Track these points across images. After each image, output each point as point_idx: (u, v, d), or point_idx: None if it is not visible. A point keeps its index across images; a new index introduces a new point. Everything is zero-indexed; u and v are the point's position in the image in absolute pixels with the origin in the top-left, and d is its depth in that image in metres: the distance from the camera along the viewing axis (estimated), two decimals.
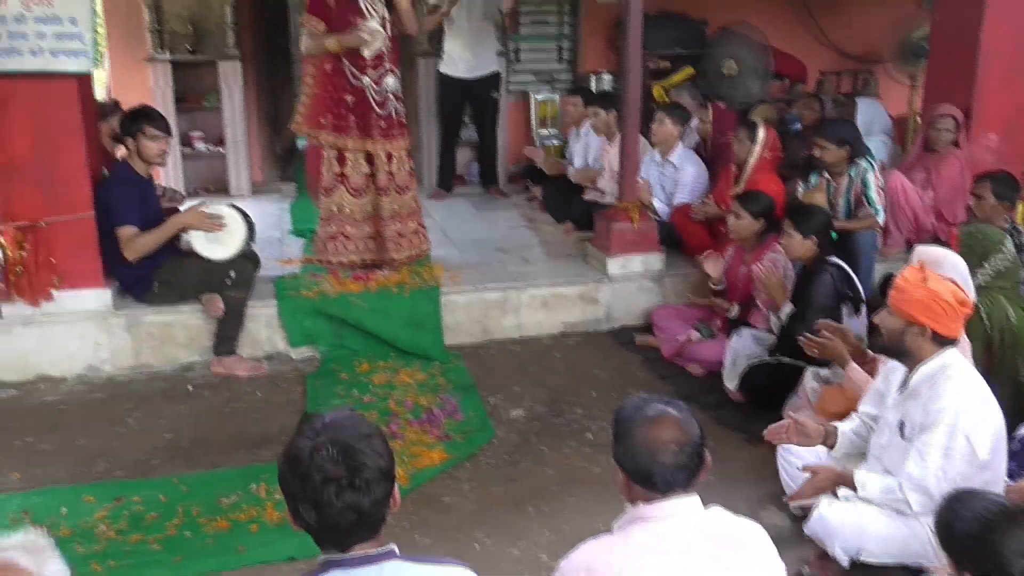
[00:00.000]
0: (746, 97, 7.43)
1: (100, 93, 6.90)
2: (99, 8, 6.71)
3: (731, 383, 4.29)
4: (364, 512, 1.71)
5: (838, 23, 8.17)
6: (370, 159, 4.94)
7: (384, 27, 4.81)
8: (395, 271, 5.07)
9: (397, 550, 1.78)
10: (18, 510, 3.42)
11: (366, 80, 4.83)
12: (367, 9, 4.79)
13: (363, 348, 4.84)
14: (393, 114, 4.94)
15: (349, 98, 4.86)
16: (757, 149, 5.21)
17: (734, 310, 4.66)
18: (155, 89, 6.84)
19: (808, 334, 3.62)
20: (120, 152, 4.99)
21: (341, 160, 4.95)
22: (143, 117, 4.63)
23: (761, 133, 5.22)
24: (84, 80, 4.53)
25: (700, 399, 4.31)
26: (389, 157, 4.97)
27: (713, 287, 4.81)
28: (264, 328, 4.83)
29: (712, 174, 5.78)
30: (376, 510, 1.74)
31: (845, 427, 3.14)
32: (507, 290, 5.12)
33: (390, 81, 4.89)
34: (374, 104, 4.86)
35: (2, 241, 4.33)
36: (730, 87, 7.53)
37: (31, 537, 1.64)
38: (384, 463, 1.75)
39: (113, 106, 5.43)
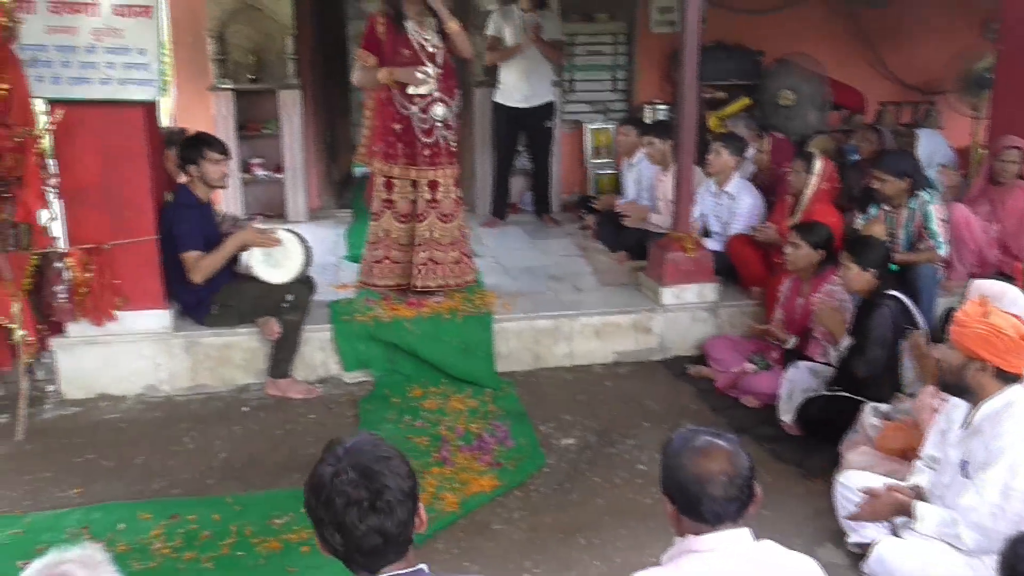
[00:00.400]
0: (803, 128, 7.37)
1: (165, 120, 7.09)
2: (166, 39, 6.91)
3: (787, 416, 4.22)
4: (389, 534, 1.72)
5: (898, 53, 8.08)
6: (416, 186, 5.00)
7: (434, 60, 4.88)
8: (447, 297, 5.11)
9: (427, 569, 1.79)
10: (78, 525, 3.49)
11: (413, 108, 4.90)
12: (417, 41, 4.86)
13: (415, 373, 4.87)
14: (439, 142, 4.97)
15: (397, 126, 4.94)
16: (814, 180, 5.15)
17: (790, 342, 4.58)
18: (217, 117, 7.02)
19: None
20: (182, 178, 5.11)
21: (389, 186, 5.02)
22: (203, 143, 4.76)
23: (819, 164, 5.16)
24: (150, 108, 4.66)
25: (754, 431, 4.24)
26: (434, 185, 5.00)
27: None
28: (318, 352, 4.88)
29: (768, 205, 5.72)
30: (401, 531, 1.74)
31: (920, 480, 3.04)
32: (559, 318, 5.11)
33: (438, 110, 4.94)
34: (420, 132, 4.93)
35: (69, 262, 4.45)
36: (787, 117, 7.48)
37: (88, 551, 1.67)
38: (406, 484, 1.75)
39: (178, 133, 5.57)
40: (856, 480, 3.17)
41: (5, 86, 4.08)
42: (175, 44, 7.20)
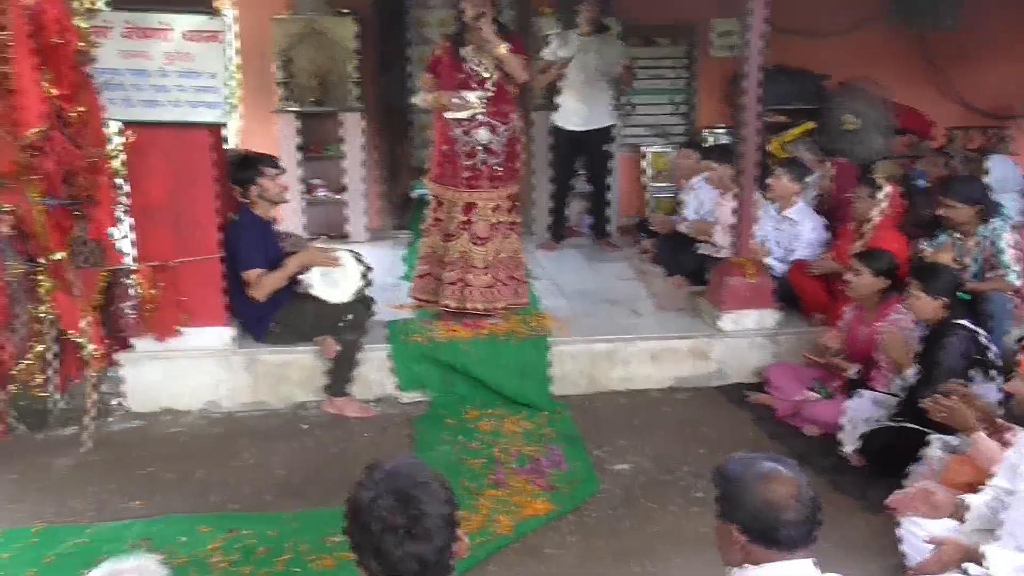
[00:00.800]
0: (868, 153, 7.24)
1: (231, 142, 7.26)
2: (234, 63, 7.09)
3: (849, 447, 4.12)
4: (427, 561, 1.69)
5: (968, 77, 7.90)
6: (467, 207, 5.03)
7: (485, 85, 4.92)
8: (504, 319, 5.12)
9: None
10: (139, 536, 3.56)
11: (459, 132, 4.96)
12: (471, 66, 4.92)
13: (471, 395, 4.88)
14: (480, 166, 5.01)
15: (446, 148, 5.03)
16: (879, 206, 5.05)
17: (853, 371, 4.48)
18: (281, 138, 7.17)
19: (934, 396, 3.44)
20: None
21: (438, 205, 5.11)
22: (255, 161, 4.85)
23: (884, 190, 5.06)
24: (217, 130, 4.78)
25: (815, 462, 4.14)
26: (469, 207, 5.03)
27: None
28: (375, 371, 4.92)
29: (832, 230, 5.62)
30: (440, 557, 1.71)
31: (977, 500, 2.96)
32: (616, 342, 5.08)
33: (482, 134, 4.97)
34: (462, 155, 4.98)
35: (137, 279, 4.57)
36: (852, 142, 7.36)
37: (144, 561, 1.70)
38: (445, 510, 1.73)
39: (235, 155, 5.70)
40: (923, 525, 3.06)
41: (81, 108, 4.23)
42: (242, 68, 7.38)
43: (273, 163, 4.89)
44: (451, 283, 5.07)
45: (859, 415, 4.16)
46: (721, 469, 2.02)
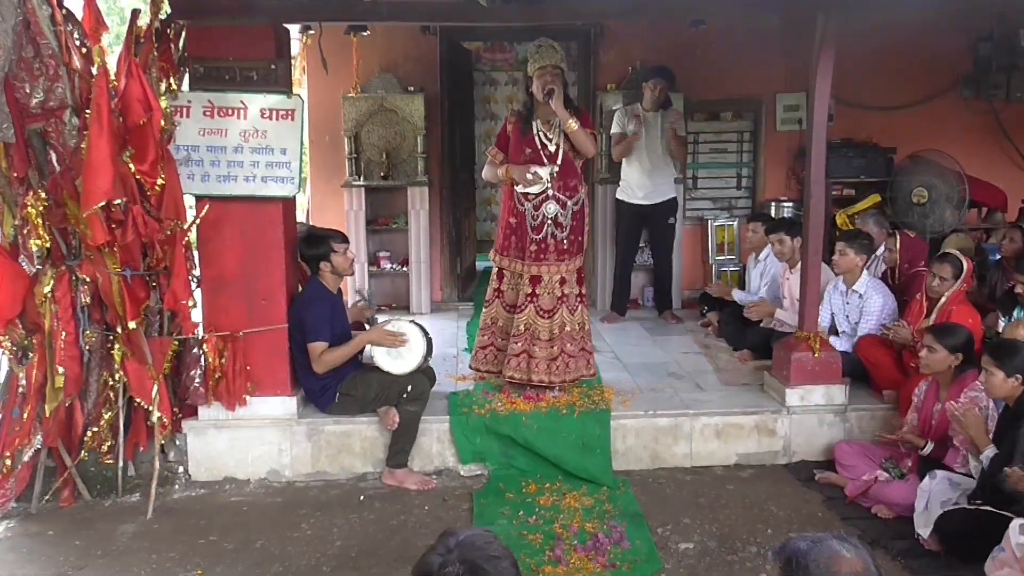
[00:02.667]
0: (939, 226, 7.12)
1: (300, 215, 7.46)
2: (306, 139, 7.33)
3: (924, 529, 3.94)
4: None
5: None
6: (533, 280, 5.07)
7: (554, 159, 4.99)
8: (565, 392, 5.09)
9: None
10: None
11: (527, 205, 5.04)
12: (541, 139, 5.01)
13: (531, 468, 4.82)
14: (547, 239, 5.06)
15: (513, 220, 5.12)
16: (957, 284, 4.92)
17: (928, 447, 4.31)
18: (349, 212, 7.35)
19: (1015, 468, 3.28)
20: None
21: (500, 276, 5.19)
22: (325, 238, 4.93)
23: (966, 267, 4.93)
24: (288, 204, 4.92)
25: (889, 545, 3.97)
26: (536, 280, 5.07)
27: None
28: (436, 443, 4.92)
29: (900, 304, 5.49)
30: None
31: None
32: (679, 417, 5.00)
33: (550, 208, 5.03)
34: (530, 229, 5.05)
35: (206, 348, 4.68)
36: (922, 215, 7.24)
37: None
38: None
39: (307, 230, 5.86)
40: None
41: (160, 183, 4.41)
42: (313, 143, 7.64)
43: (342, 238, 5.01)
44: (516, 355, 5.08)
45: (934, 496, 3.99)
46: (784, 548, 1.95)
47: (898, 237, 6.11)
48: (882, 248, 6.09)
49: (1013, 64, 7.49)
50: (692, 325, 7.10)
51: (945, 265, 5.01)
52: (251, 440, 4.84)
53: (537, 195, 5.02)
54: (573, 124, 4.93)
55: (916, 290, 5.35)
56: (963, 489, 3.96)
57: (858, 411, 5.05)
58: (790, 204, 7.59)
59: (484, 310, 5.28)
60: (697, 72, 7.46)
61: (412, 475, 4.79)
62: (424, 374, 4.97)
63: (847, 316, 5.50)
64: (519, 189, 5.03)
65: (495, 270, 5.24)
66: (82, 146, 4.22)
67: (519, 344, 5.08)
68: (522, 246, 5.09)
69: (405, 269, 7.60)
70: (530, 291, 5.08)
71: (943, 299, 4.95)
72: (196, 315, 4.75)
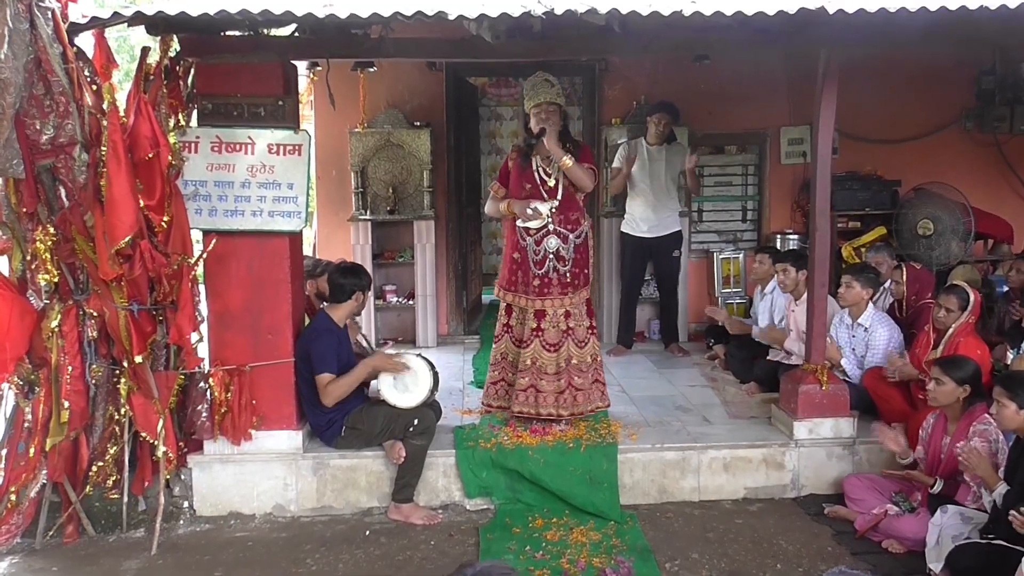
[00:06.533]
0: (945, 258, 7.12)
1: (307, 249, 7.49)
2: (312, 174, 7.38)
3: (936, 564, 3.89)
4: None
5: None
6: (538, 314, 5.07)
7: (554, 195, 5.02)
8: (571, 426, 5.07)
9: None
10: None
11: (528, 240, 5.07)
12: (540, 174, 5.05)
13: (538, 503, 4.79)
14: (550, 273, 5.07)
15: (516, 256, 5.14)
16: (964, 316, 4.90)
17: (938, 485, 4.27)
18: (356, 245, 7.38)
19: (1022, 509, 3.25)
20: (323, 304, 5.35)
21: (508, 312, 5.20)
22: (365, 272, 5.10)
23: (973, 299, 4.92)
24: (295, 238, 4.94)
25: None
26: (541, 314, 5.08)
27: (901, 461, 4.47)
28: (442, 477, 4.89)
29: (907, 336, 5.47)
30: None
31: None
32: (687, 450, 4.96)
33: (551, 242, 5.05)
34: (532, 264, 5.06)
35: (212, 383, 4.67)
36: (927, 247, 7.26)
37: None
38: None
39: (326, 267, 5.86)
40: None
41: (168, 218, 4.44)
42: (320, 178, 7.70)
43: (369, 284, 5.13)
44: (523, 390, 5.07)
45: (946, 531, 3.94)
46: None
47: (904, 269, 6.11)
48: (889, 280, 6.09)
49: (1016, 97, 7.56)
50: (699, 358, 7.09)
51: (952, 297, 4.99)
52: (256, 475, 4.82)
53: (538, 230, 5.04)
54: (568, 161, 4.96)
55: (924, 322, 5.33)
56: (975, 523, 3.91)
57: (867, 444, 5.01)
58: (795, 236, 7.61)
59: (494, 346, 5.28)
60: (701, 106, 7.52)
61: (418, 510, 4.76)
62: (430, 408, 4.96)
63: (853, 349, 5.48)
64: (519, 224, 5.05)
65: (503, 306, 5.25)
66: (100, 183, 4.26)
67: (526, 379, 5.08)
68: (526, 281, 5.10)
69: (411, 302, 7.62)
70: (535, 325, 5.08)
71: (950, 331, 4.93)
72: (202, 349, 4.75)
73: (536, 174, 5.07)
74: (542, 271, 5.07)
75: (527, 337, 5.09)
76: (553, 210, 5.02)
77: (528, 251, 5.07)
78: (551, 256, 5.06)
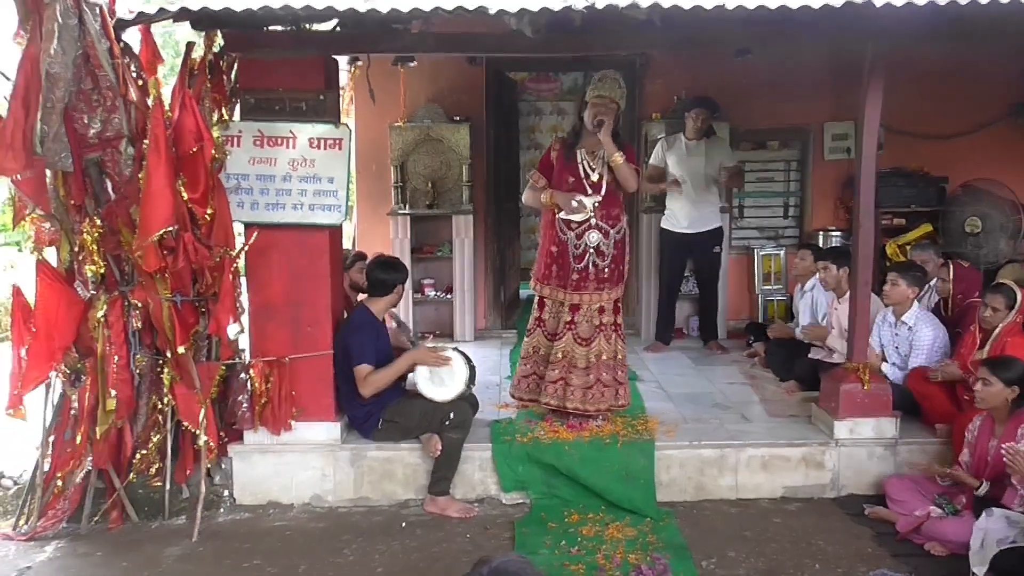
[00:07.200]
0: (993, 256, 6.99)
1: (346, 243, 7.55)
2: (353, 168, 7.43)
3: (979, 568, 3.81)
4: None
5: None
6: (573, 308, 5.06)
7: (598, 189, 5.00)
8: (608, 422, 5.06)
9: None
10: None
11: (569, 234, 5.03)
12: (584, 168, 5.02)
13: (574, 498, 4.79)
14: (589, 268, 5.04)
15: (554, 249, 5.10)
16: (1012, 316, 4.80)
17: (983, 487, 4.19)
18: (395, 240, 7.42)
19: None
20: (360, 296, 5.39)
21: (541, 305, 5.17)
22: (404, 267, 5.15)
23: (1019, 299, 4.81)
24: (335, 232, 4.98)
25: None
26: (575, 308, 5.05)
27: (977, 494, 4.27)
28: (478, 471, 4.90)
29: (952, 336, 5.37)
30: None
31: None
32: (725, 448, 4.92)
33: (592, 237, 5.02)
34: (572, 258, 5.03)
35: (252, 374, 4.73)
36: (975, 245, 7.12)
37: None
38: None
39: (355, 258, 5.92)
40: None
41: (211, 211, 4.51)
42: (360, 172, 7.75)
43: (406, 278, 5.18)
44: (553, 382, 5.07)
45: (991, 535, 3.86)
46: None
47: (951, 267, 6.00)
48: (934, 279, 5.98)
49: None
50: (737, 355, 7.02)
51: (998, 296, 4.89)
52: (295, 465, 4.88)
53: (580, 224, 5.01)
54: (618, 158, 4.93)
55: (970, 322, 5.23)
56: (1021, 527, 3.83)
57: (909, 445, 4.93)
58: (839, 233, 7.51)
59: (526, 339, 5.27)
60: (743, 101, 7.44)
61: (454, 503, 4.78)
62: (467, 401, 4.98)
63: (896, 348, 5.39)
64: (562, 216, 5.03)
65: (537, 299, 5.23)
66: (139, 176, 4.33)
67: (556, 371, 5.07)
68: (564, 275, 5.08)
69: (449, 297, 7.64)
70: (569, 319, 5.06)
71: (997, 331, 4.84)
72: (243, 341, 4.81)
73: (580, 167, 5.05)
74: (581, 265, 5.04)
75: (560, 330, 5.08)
76: (596, 204, 5.00)
77: (568, 244, 5.05)
78: (591, 251, 5.04)
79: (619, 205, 5.13)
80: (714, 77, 7.31)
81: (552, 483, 4.84)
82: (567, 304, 5.07)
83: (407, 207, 7.51)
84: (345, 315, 5.17)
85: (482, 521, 4.65)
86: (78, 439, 4.50)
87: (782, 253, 7.71)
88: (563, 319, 5.07)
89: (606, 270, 5.06)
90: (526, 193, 5.33)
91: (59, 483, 4.52)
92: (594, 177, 5.04)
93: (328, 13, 4.26)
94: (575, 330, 5.06)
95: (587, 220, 5.00)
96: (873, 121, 4.82)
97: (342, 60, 6.40)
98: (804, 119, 7.66)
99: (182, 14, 4.31)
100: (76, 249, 4.52)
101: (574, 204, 4.97)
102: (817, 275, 6.16)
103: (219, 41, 4.72)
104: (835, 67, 7.11)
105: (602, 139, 4.92)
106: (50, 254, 4.61)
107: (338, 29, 4.95)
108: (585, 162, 5.06)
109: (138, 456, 4.63)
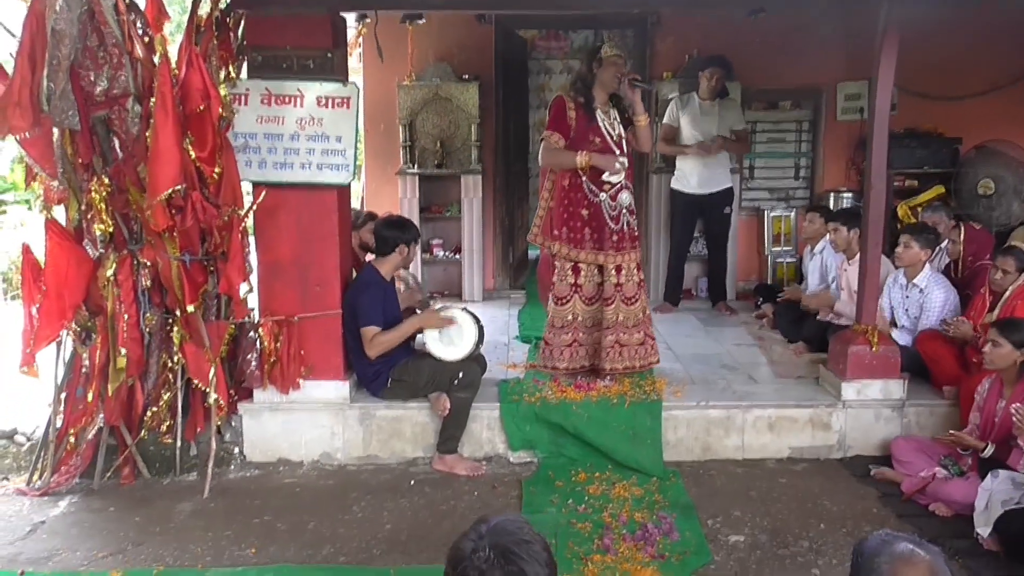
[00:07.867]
0: (1005, 218, 6.93)
1: (355, 202, 7.53)
2: (361, 127, 7.40)
3: (984, 529, 3.84)
4: None
5: None
6: (601, 270, 5.05)
7: (623, 149, 4.96)
8: (616, 382, 5.07)
9: None
10: None
11: (603, 196, 4.99)
12: (606, 128, 4.98)
13: (581, 457, 4.82)
14: (624, 228, 5.05)
15: (585, 212, 5.03)
16: (1022, 278, 4.78)
17: (989, 449, 4.20)
18: (403, 199, 7.40)
19: None
20: (369, 256, 5.39)
21: (576, 271, 5.10)
22: (413, 226, 5.13)
23: None
24: (343, 191, 4.97)
25: (946, 544, 3.86)
26: (619, 269, 5.05)
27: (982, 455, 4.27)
28: (486, 430, 4.94)
29: (963, 298, 5.35)
30: None
31: None
32: (731, 409, 4.94)
33: (624, 197, 5.02)
34: (608, 219, 5.00)
35: (261, 333, 4.75)
36: (988, 207, 7.06)
37: None
38: (543, 572, 1.72)
39: (367, 217, 5.90)
40: None
41: (219, 170, 4.50)
42: (368, 131, 7.71)
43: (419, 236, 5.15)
44: (611, 346, 5.08)
45: (996, 496, 3.88)
46: (860, 544, 1.91)
47: (963, 229, 5.95)
48: (946, 241, 5.94)
49: None
50: (746, 316, 7.02)
51: (1009, 258, 4.87)
52: (304, 423, 4.92)
53: (613, 185, 4.99)
54: (644, 120, 4.93)
55: (980, 284, 5.21)
56: None
57: (916, 407, 4.94)
58: (850, 195, 7.45)
59: (556, 308, 5.14)
60: (755, 61, 7.34)
61: (462, 461, 4.82)
62: (475, 361, 5.00)
63: (906, 310, 5.38)
64: (606, 177, 4.96)
65: (569, 265, 5.09)
66: (147, 135, 4.32)
67: (612, 335, 5.08)
68: (601, 237, 5.03)
69: (458, 257, 7.64)
70: (616, 281, 5.06)
71: (1007, 293, 4.82)
72: (252, 300, 4.83)
73: (602, 127, 5.01)
74: (618, 226, 5.04)
75: (610, 294, 5.05)
76: (625, 164, 5.00)
77: (603, 206, 5.00)
78: (624, 211, 5.03)
79: (633, 165, 5.12)
80: (726, 36, 7.22)
81: (559, 442, 4.87)
82: (611, 266, 5.04)
83: (415, 166, 7.48)
84: (354, 275, 5.18)
85: (490, 479, 4.70)
86: (90, 396, 4.54)
87: (792, 214, 7.66)
88: (610, 281, 5.05)
89: (636, 229, 5.12)
90: (549, 154, 5.11)
91: (72, 439, 4.57)
92: (615, 136, 5.01)
93: None
94: (622, 291, 5.07)
95: (620, 181, 4.98)
96: (887, 81, 4.76)
97: (350, 17, 6.34)
98: (817, 79, 7.56)
99: None
100: (84, 208, 4.52)
101: (617, 166, 4.94)
102: (827, 237, 6.13)
103: None
104: (849, 26, 6.99)
105: (634, 99, 4.90)
106: (59, 213, 4.61)
107: None
108: (604, 121, 5.01)
109: (149, 413, 4.67)
